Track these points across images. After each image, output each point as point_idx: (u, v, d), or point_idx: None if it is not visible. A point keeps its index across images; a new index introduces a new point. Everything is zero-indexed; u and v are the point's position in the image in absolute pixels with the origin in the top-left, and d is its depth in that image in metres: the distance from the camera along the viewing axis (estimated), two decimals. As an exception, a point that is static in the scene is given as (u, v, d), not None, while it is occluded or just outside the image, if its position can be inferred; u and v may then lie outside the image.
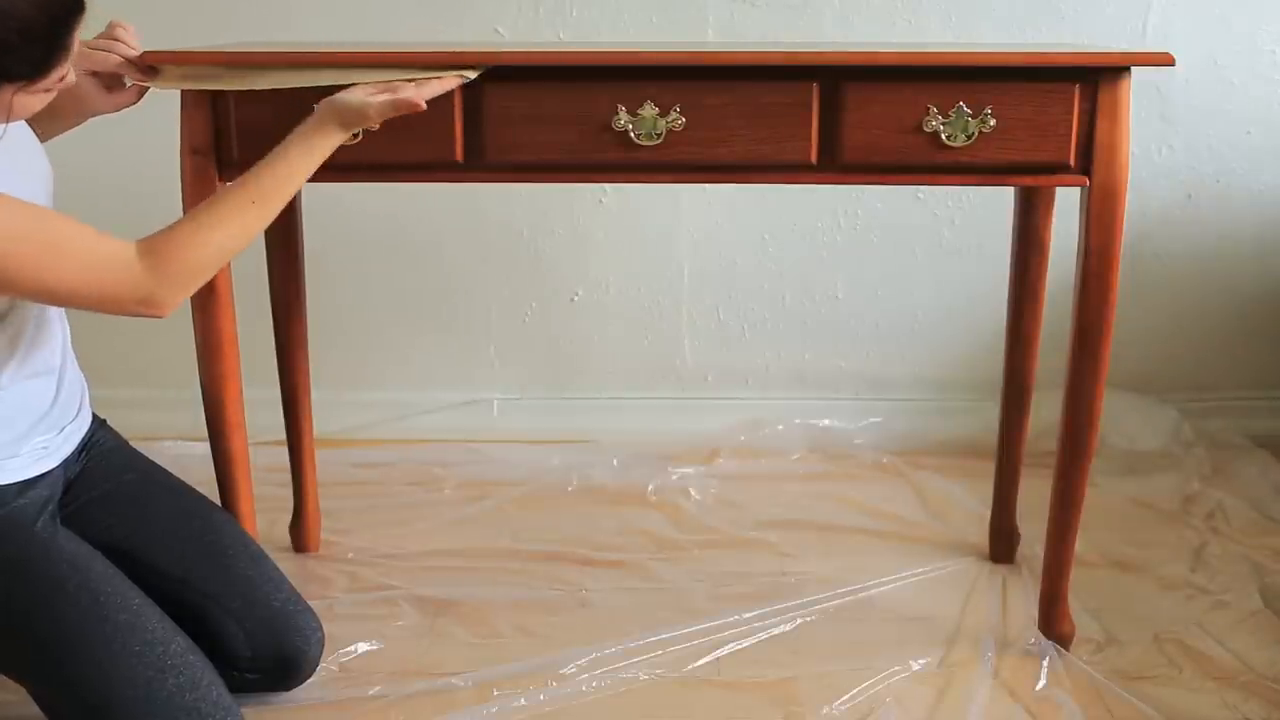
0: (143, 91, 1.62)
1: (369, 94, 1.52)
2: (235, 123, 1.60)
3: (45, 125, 1.62)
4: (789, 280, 2.68)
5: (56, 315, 1.61)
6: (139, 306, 1.45)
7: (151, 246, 1.45)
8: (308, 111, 1.57)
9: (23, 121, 1.52)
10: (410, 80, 1.54)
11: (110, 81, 1.61)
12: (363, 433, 2.69)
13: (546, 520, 2.33)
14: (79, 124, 1.68)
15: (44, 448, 1.60)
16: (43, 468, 1.60)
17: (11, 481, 1.55)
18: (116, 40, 1.57)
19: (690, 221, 2.64)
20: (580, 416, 2.73)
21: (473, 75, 1.57)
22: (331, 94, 1.54)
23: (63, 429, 1.65)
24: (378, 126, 1.55)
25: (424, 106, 1.53)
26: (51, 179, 1.59)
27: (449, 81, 1.56)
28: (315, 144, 1.53)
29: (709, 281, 2.68)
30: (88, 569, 1.52)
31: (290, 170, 1.52)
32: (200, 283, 1.49)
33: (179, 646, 1.50)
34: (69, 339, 1.65)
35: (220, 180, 1.62)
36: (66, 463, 1.66)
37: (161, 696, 1.46)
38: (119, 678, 1.45)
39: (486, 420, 2.74)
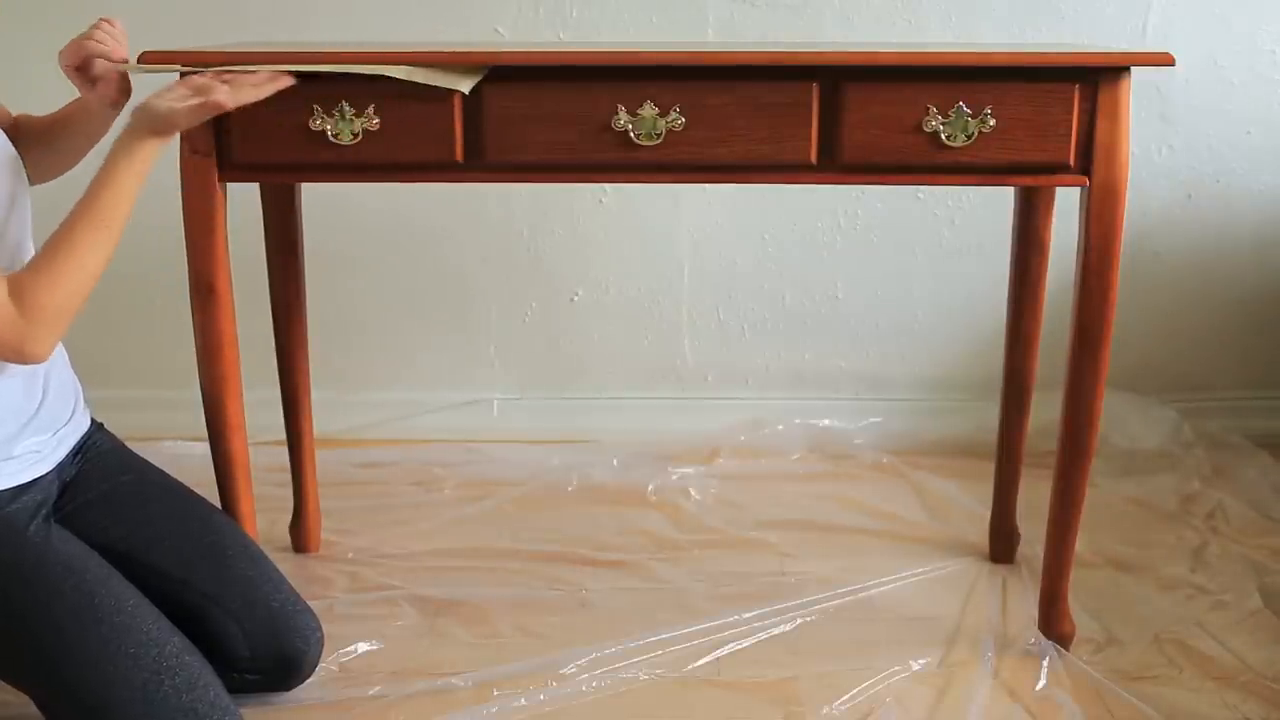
0: (125, 86, 1.62)
1: (177, 99, 1.50)
2: (235, 122, 1.60)
3: (60, 145, 1.66)
4: (789, 280, 2.68)
5: None
6: (15, 353, 1.44)
7: (16, 290, 1.43)
8: (309, 111, 1.57)
9: None
10: (227, 79, 1.52)
11: (97, 80, 1.60)
12: (363, 433, 2.69)
13: (546, 520, 2.33)
14: (89, 139, 1.69)
15: (36, 451, 1.60)
16: (36, 472, 1.60)
17: (5, 487, 1.55)
18: (96, 31, 1.58)
19: (690, 221, 2.64)
20: (580, 416, 2.73)
21: (466, 89, 1.55)
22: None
23: (56, 432, 1.64)
24: (188, 126, 1.53)
25: (230, 107, 1.50)
26: (12, 157, 1.58)
27: (262, 90, 1.53)
28: (135, 156, 1.51)
29: (709, 281, 2.68)
30: (82, 571, 1.51)
31: (121, 187, 1.50)
32: (65, 325, 1.47)
33: (175, 647, 1.50)
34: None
35: (220, 179, 1.62)
36: (61, 466, 1.65)
37: (158, 697, 1.46)
38: (115, 679, 1.45)
39: (486, 420, 2.74)
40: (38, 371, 1.59)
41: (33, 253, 1.61)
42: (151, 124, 1.51)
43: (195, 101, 1.50)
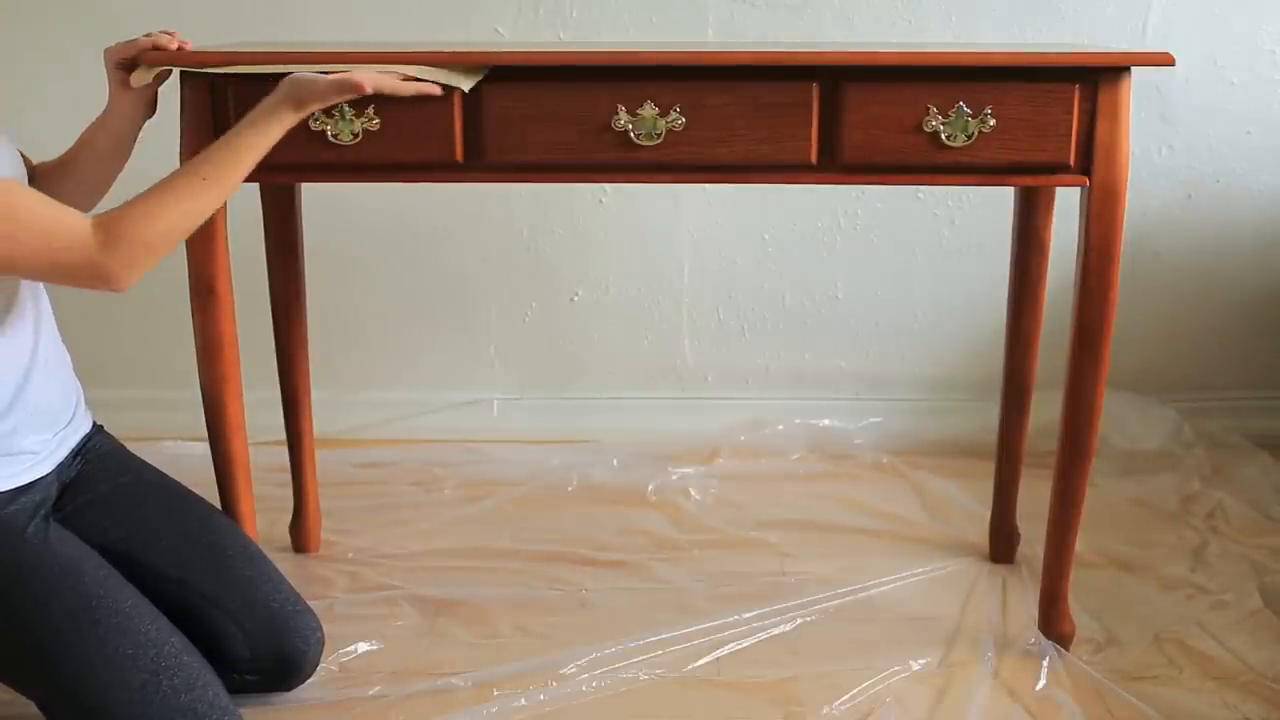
0: (153, 97, 1.65)
1: (322, 75, 1.52)
2: (235, 122, 1.59)
3: (86, 172, 1.68)
4: (789, 280, 2.68)
5: (27, 317, 1.59)
6: (92, 280, 1.45)
7: (105, 221, 1.45)
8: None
9: None
10: (398, 73, 1.54)
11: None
12: (363, 433, 2.69)
13: (546, 520, 2.33)
14: (116, 158, 1.70)
15: (36, 452, 1.60)
16: (36, 474, 1.59)
17: (4, 489, 1.54)
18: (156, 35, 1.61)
19: (690, 221, 2.64)
20: (580, 416, 2.73)
21: (466, 87, 1.57)
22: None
23: (57, 433, 1.64)
24: (325, 103, 1.54)
25: (369, 90, 1.52)
26: (20, 165, 1.59)
27: (406, 87, 1.55)
28: (264, 120, 1.53)
29: (709, 281, 2.68)
30: (80, 572, 1.51)
31: (241, 148, 1.52)
32: (153, 258, 1.48)
33: (174, 647, 1.50)
34: (48, 344, 1.62)
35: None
36: (61, 467, 1.65)
37: (157, 698, 1.46)
38: (113, 681, 1.45)
39: (486, 420, 2.74)
40: (19, 354, 1.57)
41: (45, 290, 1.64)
42: (291, 91, 1.53)
43: (338, 76, 1.51)
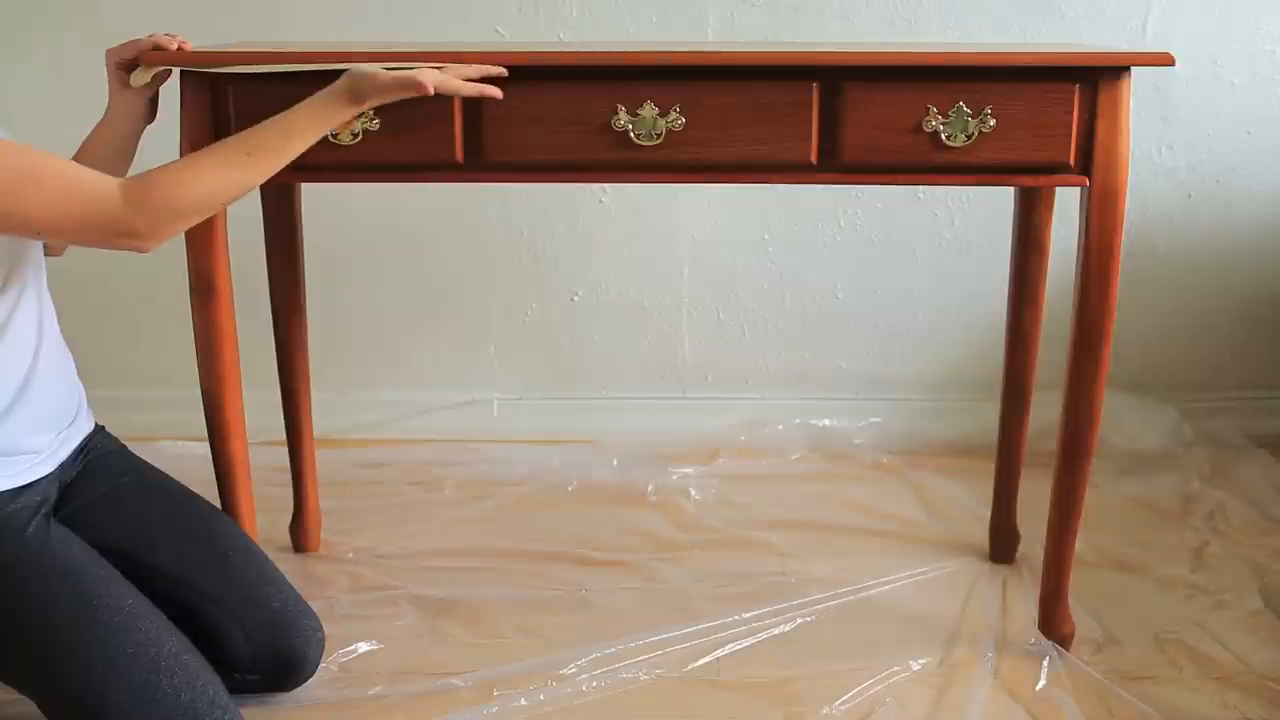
0: (153, 100, 1.66)
1: (385, 70, 1.52)
2: (235, 123, 1.60)
3: (104, 152, 1.67)
4: (789, 280, 2.68)
5: (29, 322, 1.58)
6: (119, 238, 1.44)
7: (139, 178, 1.45)
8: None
9: None
10: (436, 67, 1.55)
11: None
12: (363, 433, 2.69)
13: (546, 520, 2.33)
14: (120, 162, 1.70)
15: (38, 452, 1.60)
16: (37, 474, 1.59)
17: (5, 489, 1.54)
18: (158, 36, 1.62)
19: (690, 221, 2.64)
20: (580, 416, 2.73)
21: (498, 94, 1.57)
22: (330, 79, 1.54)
23: (59, 433, 1.64)
24: (385, 100, 1.54)
25: (430, 91, 1.52)
26: None
27: (467, 87, 1.55)
28: (320, 106, 1.52)
29: (709, 281, 2.68)
30: (80, 572, 1.51)
31: (292, 130, 1.51)
32: (182, 223, 1.47)
33: (174, 647, 1.50)
34: (51, 346, 1.62)
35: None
36: (63, 467, 1.65)
37: (157, 698, 1.45)
38: (113, 681, 1.45)
39: (486, 420, 2.74)
40: (22, 355, 1.56)
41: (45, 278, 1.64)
42: (351, 82, 1.52)
43: (402, 74, 1.51)
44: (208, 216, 1.52)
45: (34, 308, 1.58)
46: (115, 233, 1.44)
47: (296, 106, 1.53)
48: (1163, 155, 2.59)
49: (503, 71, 1.56)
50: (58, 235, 1.45)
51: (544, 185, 2.49)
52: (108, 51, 1.63)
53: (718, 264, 2.67)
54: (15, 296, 1.54)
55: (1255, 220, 2.64)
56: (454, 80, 1.54)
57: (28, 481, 1.58)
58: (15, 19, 2.51)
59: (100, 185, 1.43)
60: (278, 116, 1.52)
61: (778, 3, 2.50)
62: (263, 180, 1.52)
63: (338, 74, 1.55)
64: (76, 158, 1.69)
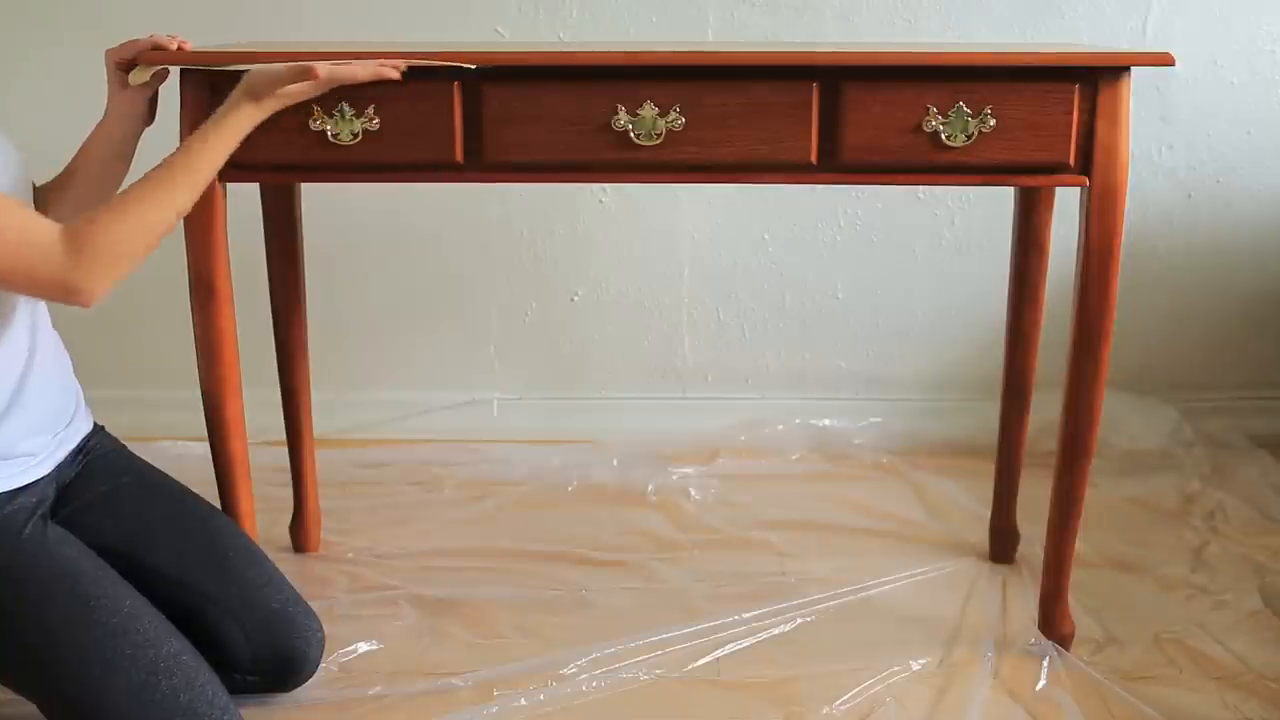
0: (153, 99, 1.66)
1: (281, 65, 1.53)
2: (235, 123, 1.60)
3: (93, 173, 1.67)
4: (789, 280, 2.68)
5: (21, 324, 1.58)
6: (62, 293, 1.43)
7: (72, 231, 1.43)
8: (308, 110, 1.57)
9: None
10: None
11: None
12: (363, 433, 2.69)
13: (546, 520, 2.33)
14: (119, 160, 1.70)
15: (34, 455, 1.59)
16: (33, 476, 1.59)
17: (1, 490, 1.54)
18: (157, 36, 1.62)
19: (690, 221, 2.64)
20: (580, 416, 2.73)
21: (396, 75, 1.56)
22: None
23: (56, 434, 1.64)
24: (284, 92, 1.53)
25: (321, 75, 1.52)
26: (20, 163, 1.58)
27: (362, 71, 1.54)
28: (225, 118, 1.53)
29: (709, 281, 2.68)
30: (78, 573, 1.51)
31: (205, 146, 1.51)
32: (122, 268, 1.46)
33: (172, 648, 1.49)
34: (45, 348, 1.61)
35: (220, 179, 1.62)
36: (60, 468, 1.65)
37: (155, 699, 1.45)
38: (111, 682, 1.45)
39: (486, 420, 2.74)
40: (14, 360, 1.55)
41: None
42: (247, 84, 1.53)
43: (292, 65, 1.52)
44: (147, 254, 1.49)
45: (25, 310, 1.57)
46: (57, 287, 1.42)
47: (204, 124, 1.53)
48: (1163, 155, 2.59)
49: (395, 74, 1.55)
50: (5, 286, 1.43)
51: (544, 185, 2.49)
52: (107, 52, 1.63)
53: (718, 264, 2.67)
54: (3, 302, 1.53)
55: (1255, 220, 2.64)
56: (349, 68, 1.54)
57: (24, 484, 1.57)
58: (15, 19, 2.51)
59: (46, 237, 1.41)
60: (190, 138, 1.53)
61: (778, 3, 2.50)
62: (192, 201, 1.52)
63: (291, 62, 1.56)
64: (75, 159, 1.69)
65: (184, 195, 1.50)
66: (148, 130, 1.70)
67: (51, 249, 1.41)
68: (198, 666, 1.51)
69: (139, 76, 1.61)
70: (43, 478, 1.61)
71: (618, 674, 1.79)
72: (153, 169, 1.51)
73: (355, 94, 1.58)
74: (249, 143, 1.58)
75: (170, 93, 1.65)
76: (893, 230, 2.64)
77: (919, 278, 2.67)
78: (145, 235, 1.46)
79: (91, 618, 1.47)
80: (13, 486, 1.55)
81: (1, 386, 1.54)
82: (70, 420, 1.68)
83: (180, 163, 1.50)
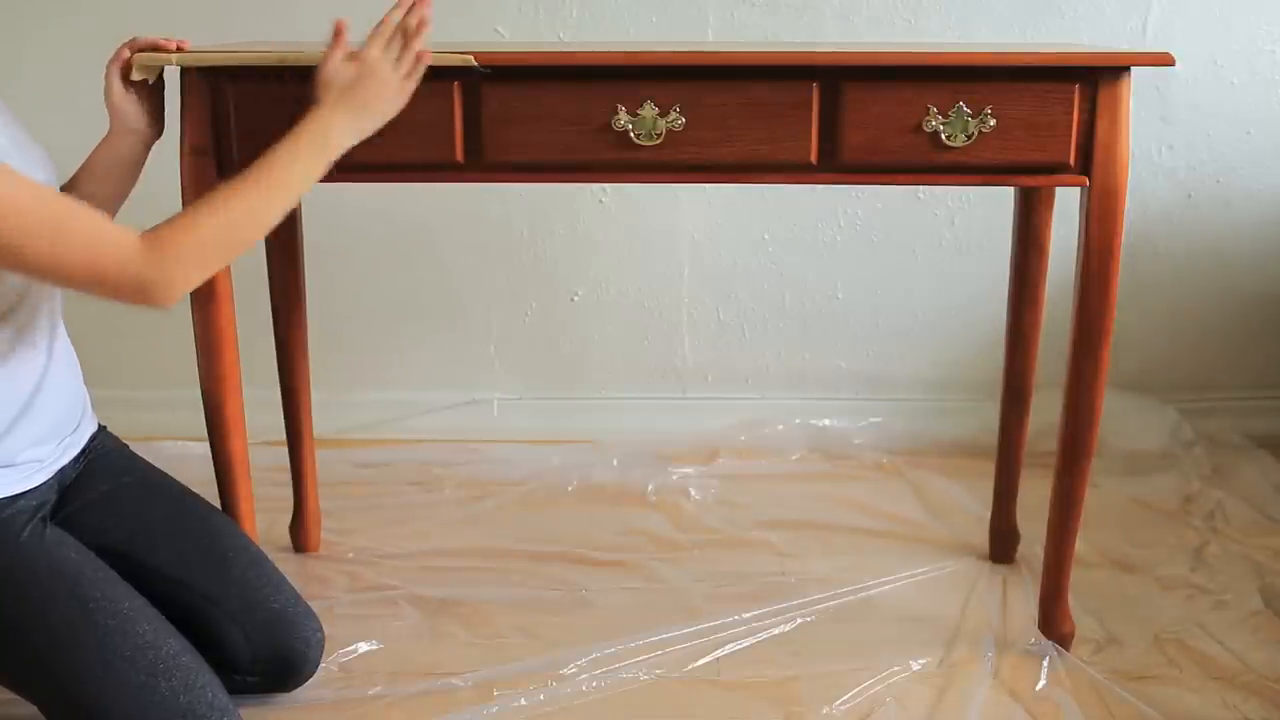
0: (156, 111, 1.64)
1: (396, 85, 1.51)
2: (235, 123, 1.60)
3: (93, 190, 1.64)
4: (789, 280, 2.68)
5: (41, 333, 1.57)
6: (136, 294, 1.40)
7: (152, 233, 1.41)
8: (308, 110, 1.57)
9: (13, 115, 1.53)
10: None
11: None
12: (363, 433, 2.69)
13: (546, 520, 2.33)
14: (125, 177, 1.68)
15: (39, 460, 1.59)
16: (35, 482, 1.58)
17: (3, 495, 1.53)
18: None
19: (690, 221, 2.64)
20: (580, 416, 2.73)
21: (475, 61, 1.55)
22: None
23: (61, 441, 1.63)
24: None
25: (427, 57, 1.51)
26: (51, 166, 1.58)
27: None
28: (330, 143, 1.49)
29: (709, 281, 2.68)
30: (77, 575, 1.50)
31: (295, 156, 1.48)
32: (199, 274, 1.43)
33: (172, 649, 1.49)
34: (60, 358, 1.61)
35: (220, 179, 1.62)
36: (63, 470, 1.64)
37: (155, 700, 1.45)
38: (111, 684, 1.44)
39: (486, 420, 2.74)
40: (31, 372, 1.55)
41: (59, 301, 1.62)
42: (358, 117, 1.51)
43: (410, 83, 1.51)
44: (227, 261, 1.47)
45: (45, 324, 1.57)
46: (132, 288, 1.39)
47: (298, 133, 1.49)
48: (1163, 155, 2.59)
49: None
50: (71, 284, 1.40)
51: (544, 185, 2.49)
52: (108, 64, 1.60)
53: (718, 264, 2.67)
54: (29, 315, 1.53)
55: (1255, 220, 2.64)
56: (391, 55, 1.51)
57: (26, 489, 1.57)
58: (16, 19, 2.51)
59: (122, 240, 1.39)
60: (281, 147, 1.48)
61: (778, 3, 2.50)
62: (277, 217, 1.48)
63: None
64: (78, 174, 1.67)
65: (266, 206, 1.46)
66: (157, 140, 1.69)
67: (127, 245, 1.39)
68: (197, 667, 1.51)
69: (139, 73, 1.59)
70: (45, 482, 1.60)
71: (618, 674, 1.79)
72: (237, 178, 1.46)
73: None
74: (249, 142, 1.58)
75: (171, 94, 1.65)
76: (893, 230, 2.64)
77: (919, 278, 2.67)
78: (220, 248, 1.44)
79: (91, 619, 1.47)
80: (15, 492, 1.55)
81: (16, 395, 1.53)
82: (76, 426, 1.67)
83: (268, 179, 1.46)
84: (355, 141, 1.52)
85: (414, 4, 1.51)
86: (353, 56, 1.51)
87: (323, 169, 1.50)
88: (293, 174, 1.48)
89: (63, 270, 1.37)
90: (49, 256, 1.35)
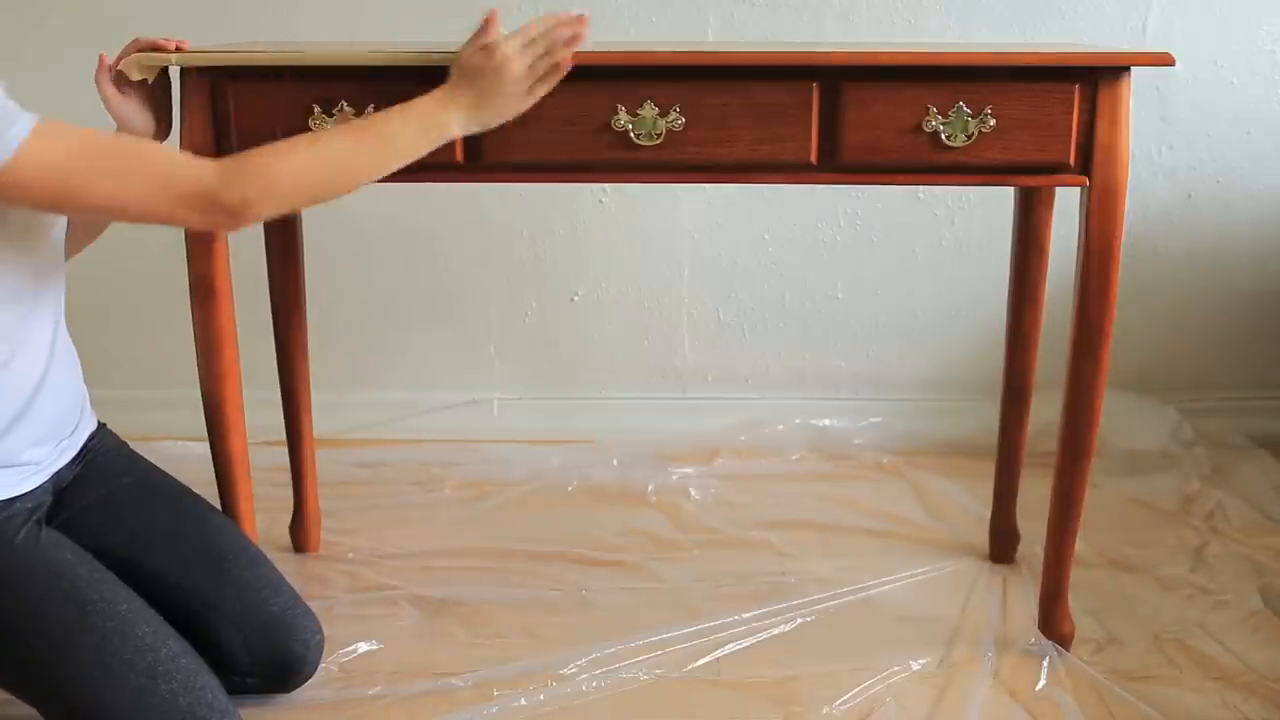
0: (161, 112, 1.64)
1: (520, 84, 1.49)
2: (235, 123, 1.60)
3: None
4: (789, 280, 2.68)
5: (42, 342, 1.56)
6: (205, 206, 1.39)
7: (234, 156, 1.42)
8: (309, 110, 1.57)
9: None
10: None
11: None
12: (363, 433, 2.69)
13: (546, 520, 2.33)
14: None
15: (36, 463, 1.58)
16: (31, 484, 1.58)
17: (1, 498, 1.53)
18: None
19: (690, 221, 2.64)
20: (580, 416, 2.73)
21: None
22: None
23: (59, 443, 1.63)
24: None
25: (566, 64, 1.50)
26: None
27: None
28: (435, 131, 1.49)
29: (709, 281, 2.68)
30: (74, 577, 1.50)
31: (406, 120, 1.47)
32: (273, 202, 1.42)
33: (170, 651, 1.49)
34: (61, 358, 1.60)
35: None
36: (59, 473, 1.64)
37: (154, 703, 1.44)
38: (109, 686, 1.44)
39: (486, 420, 2.74)
40: (34, 369, 1.55)
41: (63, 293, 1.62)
42: (477, 108, 1.49)
43: (542, 86, 1.50)
44: (308, 204, 1.47)
45: (49, 322, 1.56)
46: (206, 203, 1.39)
47: (414, 107, 1.48)
48: (1163, 155, 2.59)
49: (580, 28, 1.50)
50: (143, 217, 1.40)
51: (544, 185, 2.49)
52: (95, 76, 1.60)
53: (718, 264, 2.67)
54: (33, 319, 1.53)
55: (1255, 220, 2.64)
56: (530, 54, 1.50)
57: (22, 491, 1.56)
58: (16, 19, 2.51)
59: (192, 161, 1.42)
60: (395, 112, 1.47)
61: (778, 3, 2.50)
62: (372, 174, 1.47)
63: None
64: None
65: (362, 163, 1.45)
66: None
67: (199, 169, 1.40)
68: (197, 669, 1.50)
69: (135, 73, 1.58)
70: (41, 485, 1.60)
71: (618, 674, 1.79)
72: (349, 123, 1.45)
73: (356, 93, 1.58)
74: (249, 142, 1.58)
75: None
76: (893, 230, 2.64)
77: (919, 278, 2.67)
78: (306, 183, 1.44)
79: (89, 621, 1.46)
80: (10, 495, 1.54)
81: (17, 394, 1.52)
82: (75, 428, 1.67)
83: (375, 131, 1.46)
84: (469, 131, 1.51)
85: (576, 19, 1.49)
86: (491, 48, 1.49)
87: (428, 147, 1.49)
88: (396, 139, 1.47)
89: (133, 202, 1.38)
90: (118, 188, 1.37)
